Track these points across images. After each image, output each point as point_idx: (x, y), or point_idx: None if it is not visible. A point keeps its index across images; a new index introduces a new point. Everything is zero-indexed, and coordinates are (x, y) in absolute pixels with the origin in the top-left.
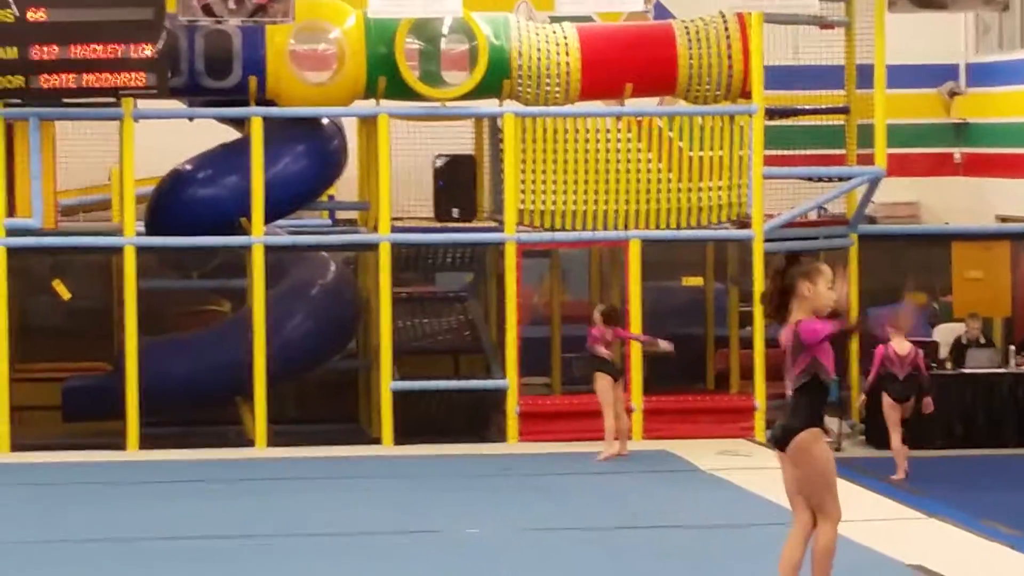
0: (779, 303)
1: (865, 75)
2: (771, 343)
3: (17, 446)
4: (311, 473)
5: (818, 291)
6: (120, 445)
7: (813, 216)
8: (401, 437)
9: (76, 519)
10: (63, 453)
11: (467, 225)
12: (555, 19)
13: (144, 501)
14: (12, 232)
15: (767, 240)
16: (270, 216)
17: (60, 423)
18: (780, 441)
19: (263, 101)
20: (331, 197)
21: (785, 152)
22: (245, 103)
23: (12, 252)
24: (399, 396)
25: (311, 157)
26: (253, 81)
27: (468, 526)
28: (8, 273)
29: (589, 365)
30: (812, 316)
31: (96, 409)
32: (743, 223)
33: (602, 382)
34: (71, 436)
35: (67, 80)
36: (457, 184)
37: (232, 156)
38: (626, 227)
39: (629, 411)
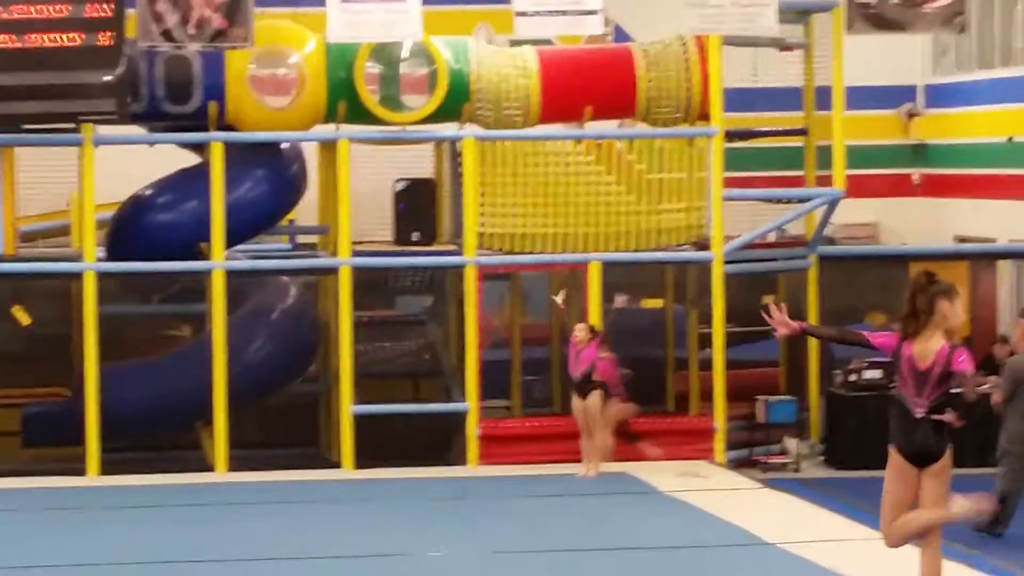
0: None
1: (824, 96)
2: (733, 364)
3: None
4: (272, 498)
5: (955, 311)
6: (80, 471)
7: (773, 238)
8: (362, 461)
9: (36, 545)
10: (23, 479)
11: (427, 248)
12: (515, 42)
13: (105, 526)
14: None
15: (727, 262)
16: (231, 241)
17: (19, 449)
18: (932, 458)
19: (223, 126)
20: (291, 221)
21: (744, 174)
22: (205, 128)
23: None
24: (360, 420)
25: (271, 182)
26: (213, 106)
27: (431, 549)
28: None
29: (591, 384)
30: (945, 337)
31: (56, 434)
32: (703, 245)
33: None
34: (31, 462)
35: (26, 106)
36: (417, 207)
37: (192, 181)
38: (586, 249)
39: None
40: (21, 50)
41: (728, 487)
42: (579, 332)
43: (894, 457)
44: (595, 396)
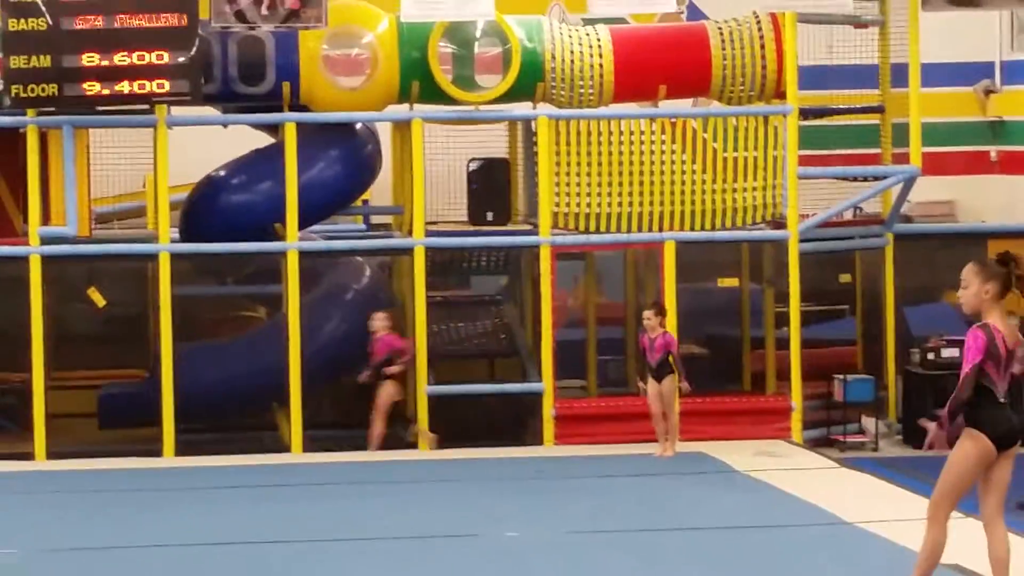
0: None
1: (900, 74)
2: (809, 343)
3: (53, 454)
4: (347, 478)
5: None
6: (156, 452)
7: (849, 216)
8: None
9: (113, 526)
10: (99, 460)
11: (501, 228)
12: (588, 21)
13: (181, 508)
14: (47, 240)
15: (802, 241)
16: (304, 222)
17: (96, 431)
18: (1016, 440)
19: (296, 107)
20: (365, 202)
21: (820, 152)
22: (278, 109)
23: (47, 260)
24: (435, 400)
25: (345, 162)
26: (286, 87)
27: (506, 529)
28: (43, 281)
29: (667, 368)
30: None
31: (132, 416)
32: (778, 224)
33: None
34: (107, 443)
35: (100, 88)
36: (491, 187)
37: (266, 162)
38: (661, 229)
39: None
40: (96, 31)
41: (805, 466)
42: (650, 320)
43: (981, 442)
44: (670, 380)
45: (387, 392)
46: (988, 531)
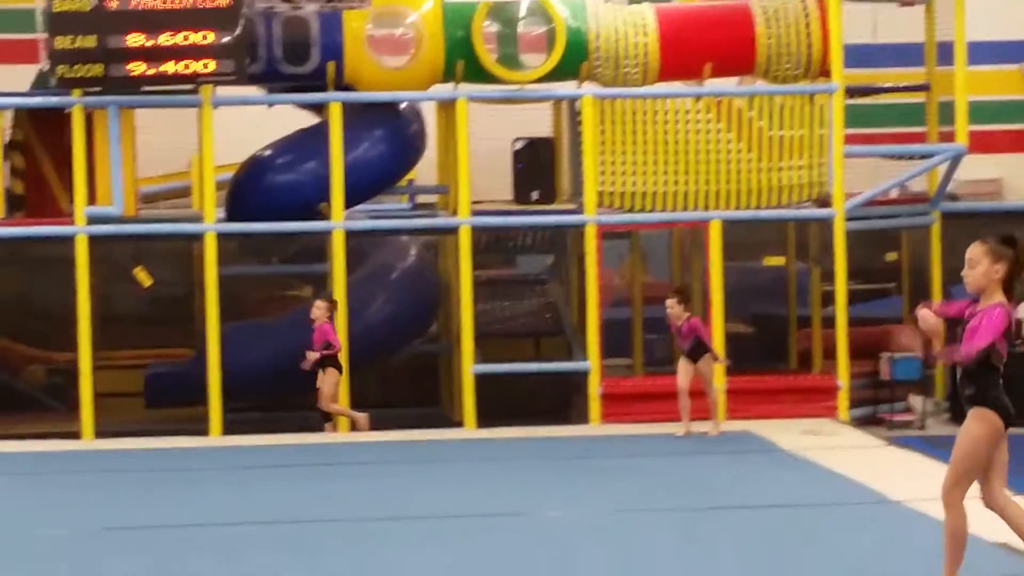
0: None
1: (945, 52)
2: (856, 322)
3: (100, 433)
4: (393, 457)
5: None
6: (202, 431)
7: (895, 194)
8: (483, 420)
9: (159, 504)
10: (146, 439)
11: (547, 208)
12: (632, 0)
13: (226, 487)
14: (93, 220)
15: (848, 219)
16: (350, 201)
17: (142, 410)
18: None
19: (341, 86)
20: (411, 182)
21: (866, 130)
22: (323, 89)
23: (93, 240)
24: (481, 379)
25: (390, 142)
26: (331, 66)
27: (551, 509)
28: (90, 261)
29: (701, 348)
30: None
31: (178, 395)
32: (824, 202)
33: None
34: (154, 423)
35: (146, 68)
36: (536, 167)
37: (311, 141)
38: (707, 207)
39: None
40: (140, 11)
41: (852, 445)
42: (673, 308)
43: (993, 422)
44: (706, 359)
45: (330, 380)
46: (1005, 511)
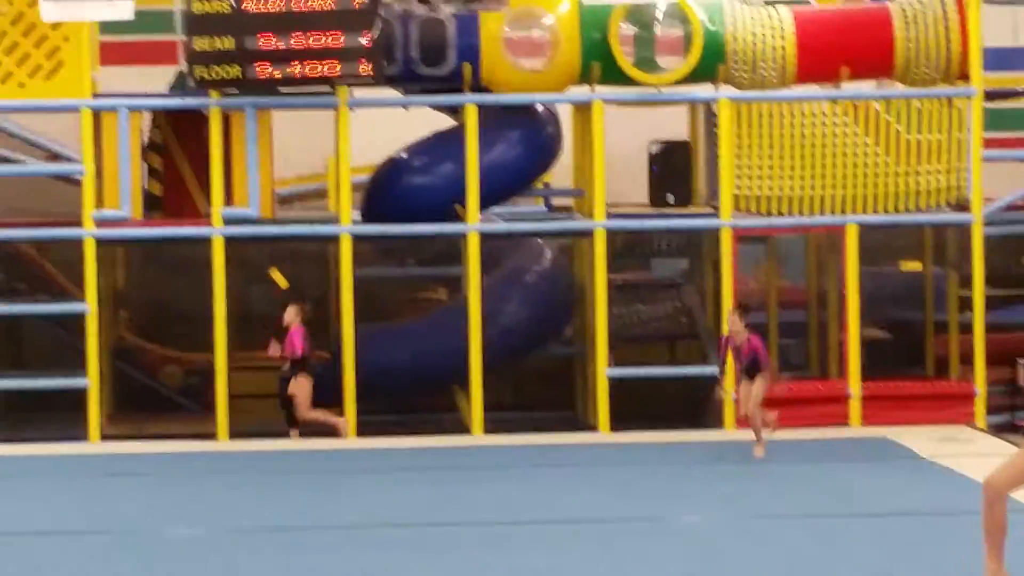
0: None
1: None
2: (993, 328)
3: (235, 434)
4: (528, 461)
5: None
6: (336, 433)
7: None
8: (618, 424)
9: (293, 506)
10: (280, 441)
11: (682, 211)
12: (769, 2)
13: (361, 489)
14: (230, 221)
15: (987, 224)
16: (485, 203)
17: (276, 411)
18: None
19: (477, 88)
20: (546, 184)
21: (1005, 134)
22: (458, 91)
23: (230, 241)
24: (615, 383)
25: (525, 144)
26: (467, 68)
27: (686, 513)
28: (226, 262)
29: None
30: None
31: (314, 397)
32: (962, 207)
33: None
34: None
35: (283, 69)
36: (672, 170)
37: (447, 144)
38: (843, 212)
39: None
40: (278, 13)
41: (989, 452)
42: (735, 324)
43: None
44: (759, 380)
45: (303, 386)
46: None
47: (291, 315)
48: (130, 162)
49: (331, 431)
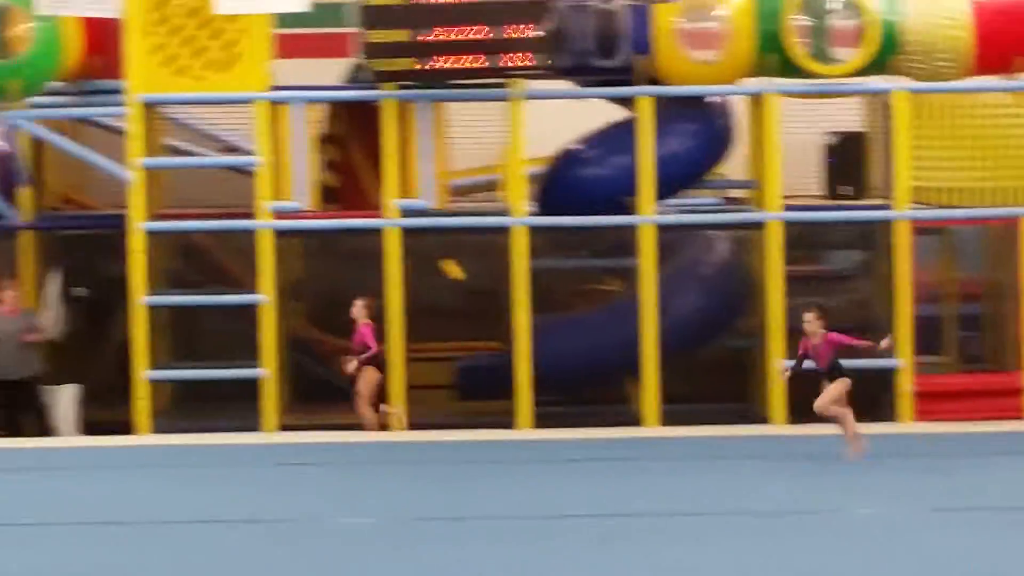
0: None
1: None
2: None
3: (411, 425)
4: (702, 453)
5: None
6: (508, 424)
7: None
8: (794, 416)
9: (465, 496)
10: (453, 432)
11: (858, 203)
12: None
13: (535, 479)
14: (404, 213)
15: None
16: (659, 195)
17: (445, 401)
18: None
19: (649, 80)
20: (720, 176)
21: None
22: (629, 82)
23: (404, 233)
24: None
25: (699, 136)
26: (640, 60)
27: (863, 506)
28: (400, 254)
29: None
30: None
31: (491, 388)
32: None
33: None
34: (454, 415)
35: (457, 61)
36: (847, 161)
37: (620, 136)
38: (1020, 203)
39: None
40: (453, 5)
41: None
42: (811, 325)
43: None
44: (839, 383)
45: (368, 379)
46: None
47: (359, 310)
48: (305, 154)
49: (383, 425)
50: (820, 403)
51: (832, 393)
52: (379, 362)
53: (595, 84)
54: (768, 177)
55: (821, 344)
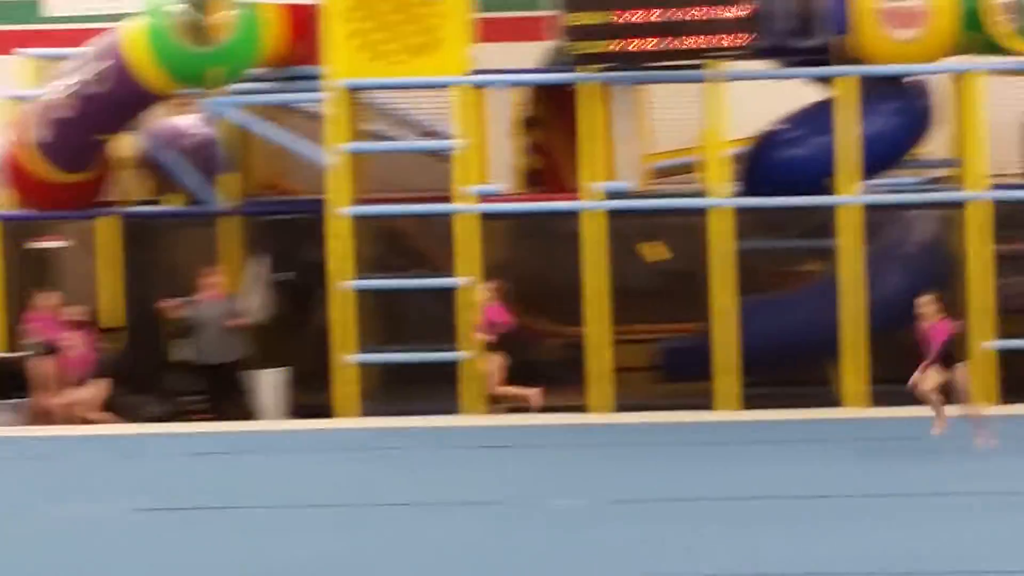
0: None
1: None
2: None
3: (618, 407)
4: (909, 433)
5: None
6: (707, 405)
7: None
8: (1004, 397)
9: (672, 478)
10: (656, 414)
11: None
12: None
13: (741, 461)
14: (605, 195)
15: None
16: (862, 175)
17: (645, 383)
18: None
19: (847, 60)
20: (924, 155)
21: None
22: (827, 63)
23: (606, 215)
24: (1000, 355)
25: (901, 115)
26: (839, 40)
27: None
28: (603, 236)
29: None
30: None
31: (693, 369)
32: None
33: None
34: (655, 397)
35: (657, 43)
36: None
37: (821, 116)
38: None
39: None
40: None
41: None
42: (927, 307)
43: None
44: (961, 368)
45: (495, 363)
46: None
47: (485, 293)
48: (506, 138)
49: (523, 406)
50: (922, 387)
51: (932, 379)
52: (508, 344)
53: (792, 64)
54: (972, 156)
55: (936, 326)
